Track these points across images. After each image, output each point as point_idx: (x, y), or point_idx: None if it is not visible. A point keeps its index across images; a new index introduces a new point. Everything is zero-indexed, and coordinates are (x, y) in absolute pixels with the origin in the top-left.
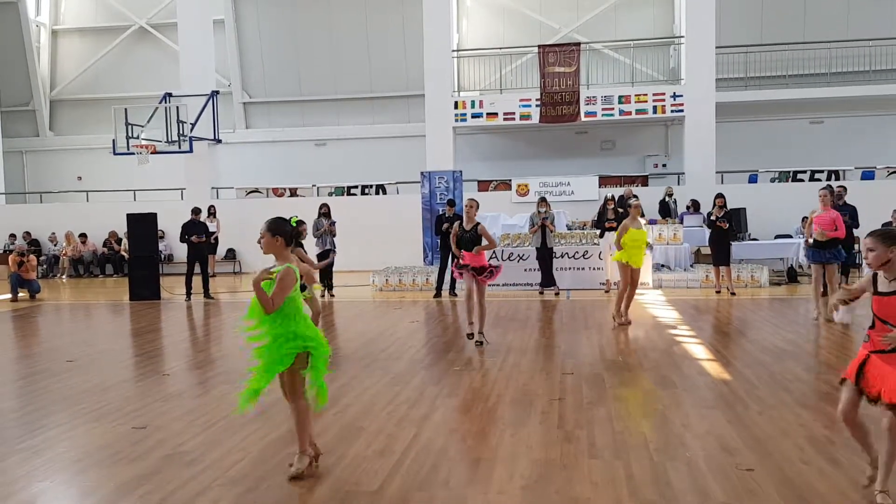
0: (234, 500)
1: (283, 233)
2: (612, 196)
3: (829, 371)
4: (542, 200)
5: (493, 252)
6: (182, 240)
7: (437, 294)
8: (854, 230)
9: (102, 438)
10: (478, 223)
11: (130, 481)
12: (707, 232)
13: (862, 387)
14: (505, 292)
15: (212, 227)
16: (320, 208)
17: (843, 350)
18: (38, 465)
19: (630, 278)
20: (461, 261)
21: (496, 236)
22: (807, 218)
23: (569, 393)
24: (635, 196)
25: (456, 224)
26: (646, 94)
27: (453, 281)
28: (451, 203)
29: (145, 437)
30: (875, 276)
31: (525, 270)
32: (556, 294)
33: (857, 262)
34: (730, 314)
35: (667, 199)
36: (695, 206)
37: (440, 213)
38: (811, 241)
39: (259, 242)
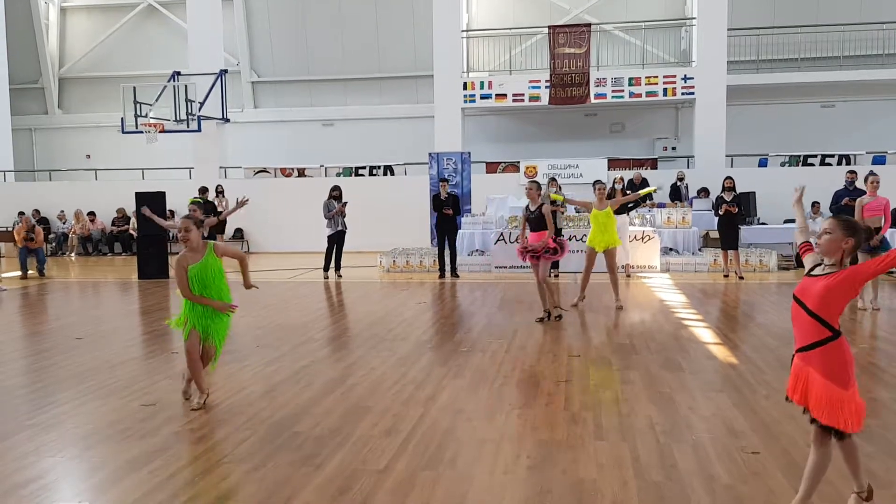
0: (241, 477)
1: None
2: (621, 178)
3: None
4: (553, 181)
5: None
6: None
7: (442, 275)
8: None
9: (111, 415)
10: (542, 203)
11: (139, 457)
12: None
13: (789, 394)
14: (511, 275)
15: (220, 207)
16: (332, 190)
17: (852, 335)
18: (48, 440)
19: (591, 262)
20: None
21: (503, 219)
22: (817, 203)
23: (575, 375)
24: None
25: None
26: (656, 76)
27: (454, 261)
28: (445, 181)
29: (154, 415)
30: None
31: None
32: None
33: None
34: (738, 298)
35: (678, 183)
36: (704, 194)
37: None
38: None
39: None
